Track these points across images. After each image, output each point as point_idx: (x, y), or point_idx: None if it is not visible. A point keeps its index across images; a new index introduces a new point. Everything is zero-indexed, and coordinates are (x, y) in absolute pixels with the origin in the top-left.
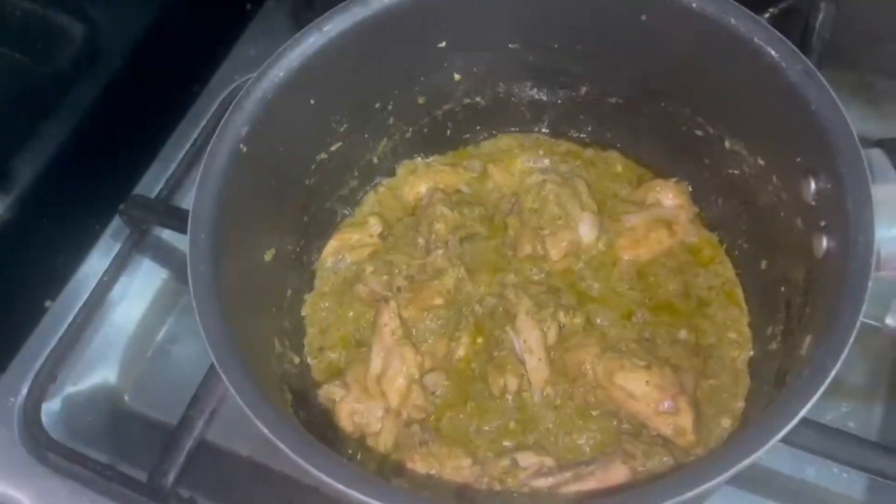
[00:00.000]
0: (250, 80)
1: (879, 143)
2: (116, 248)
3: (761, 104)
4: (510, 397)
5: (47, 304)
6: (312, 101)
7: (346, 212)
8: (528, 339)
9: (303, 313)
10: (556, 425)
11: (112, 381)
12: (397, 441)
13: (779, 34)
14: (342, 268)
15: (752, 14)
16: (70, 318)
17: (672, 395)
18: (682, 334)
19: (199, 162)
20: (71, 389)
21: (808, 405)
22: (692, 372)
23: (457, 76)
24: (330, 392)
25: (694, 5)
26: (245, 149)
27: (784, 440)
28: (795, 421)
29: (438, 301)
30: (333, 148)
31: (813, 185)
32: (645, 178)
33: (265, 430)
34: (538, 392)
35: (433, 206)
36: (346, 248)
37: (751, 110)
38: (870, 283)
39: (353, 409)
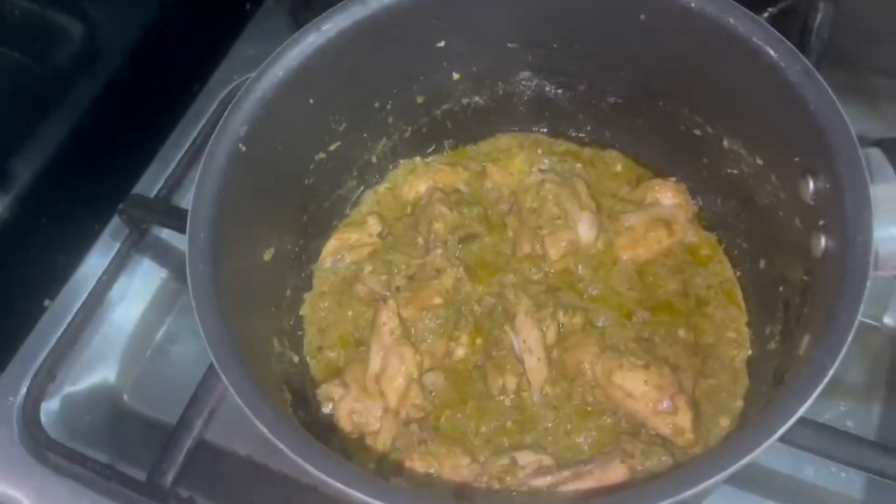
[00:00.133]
0: (249, 80)
1: (878, 143)
2: (116, 247)
3: (760, 104)
4: (509, 397)
5: (46, 303)
6: (311, 101)
7: (345, 211)
8: (527, 339)
9: (302, 313)
10: (555, 424)
11: (111, 381)
12: (396, 440)
13: (777, 34)
14: (341, 267)
15: (751, 14)
16: (69, 318)
17: (671, 395)
18: (681, 334)
19: (198, 161)
20: (70, 389)
21: (807, 404)
22: (691, 371)
23: (456, 76)
24: (329, 391)
25: (693, 5)
26: (244, 148)
27: (783, 439)
28: (793, 420)
29: (437, 300)
30: (332, 147)
31: (811, 185)
32: (644, 178)
33: (264, 430)
34: (537, 391)
35: (432, 205)
36: (346, 247)
37: (749, 110)
38: (868, 283)
39: (352, 409)
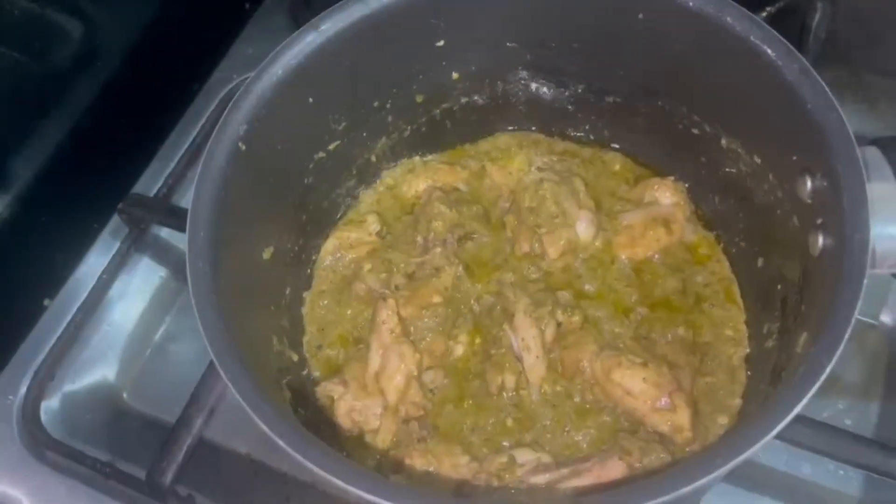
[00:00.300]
0: (249, 79)
1: (875, 142)
2: (115, 246)
3: (758, 103)
4: (508, 395)
5: (46, 302)
6: (311, 100)
7: (344, 210)
8: (526, 337)
9: (301, 311)
10: (554, 422)
11: (111, 380)
12: (395, 438)
13: (775, 33)
14: (341, 266)
15: (749, 13)
16: (69, 317)
17: (669, 393)
18: (679, 332)
19: (197, 160)
20: (70, 388)
21: (803, 402)
22: (689, 369)
23: (455, 75)
24: (328, 389)
25: (691, 4)
26: (244, 147)
27: (781, 437)
28: (790, 417)
29: (436, 299)
30: (332, 146)
31: (809, 184)
32: (642, 177)
33: (264, 427)
34: (536, 390)
35: (431, 204)
36: (345, 246)
37: (747, 109)
38: (865, 281)
39: (351, 407)
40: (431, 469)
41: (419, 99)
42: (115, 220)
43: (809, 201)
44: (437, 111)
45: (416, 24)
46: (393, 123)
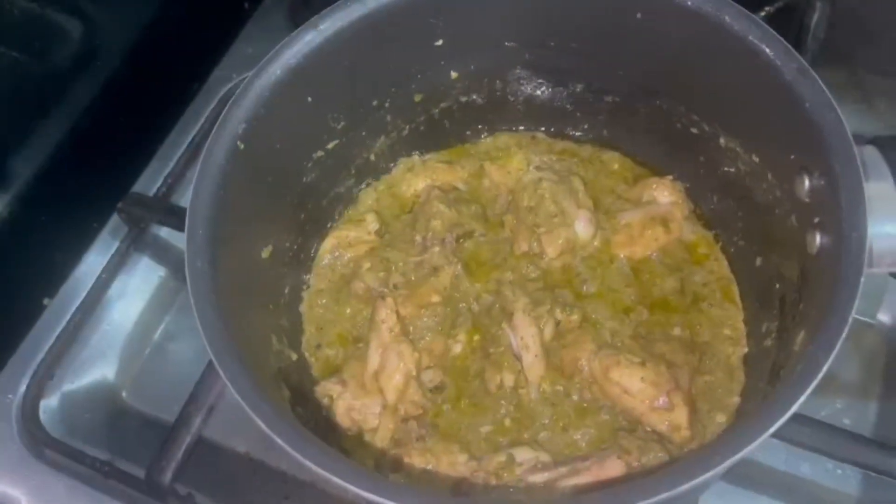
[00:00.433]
0: (247, 78)
1: (873, 141)
2: (114, 245)
3: (756, 102)
4: (506, 394)
5: (45, 301)
6: (309, 99)
7: (343, 209)
8: (525, 336)
9: (300, 310)
10: (552, 421)
11: (110, 379)
12: (394, 437)
13: (773, 32)
14: (339, 265)
15: (747, 12)
16: (68, 316)
17: (667, 392)
18: (678, 331)
19: (197, 160)
20: (69, 387)
21: (801, 400)
22: (687, 368)
23: (454, 74)
24: (327, 388)
25: (689, 3)
26: (242, 146)
27: (779, 436)
28: (788, 416)
29: (435, 298)
30: (330, 145)
31: (807, 183)
32: (641, 176)
33: (263, 426)
34: (534, 388)
35: (430, 203)
36: (344, 245)
37: (746, 108)
38: (862, 279)
39: (350, 406)
40: (430, 468)
41: (418, 98)
42: (115, 219)
43: (807, 200)
44: (436, 110)
45: (414, 23)
46: (392, 122)
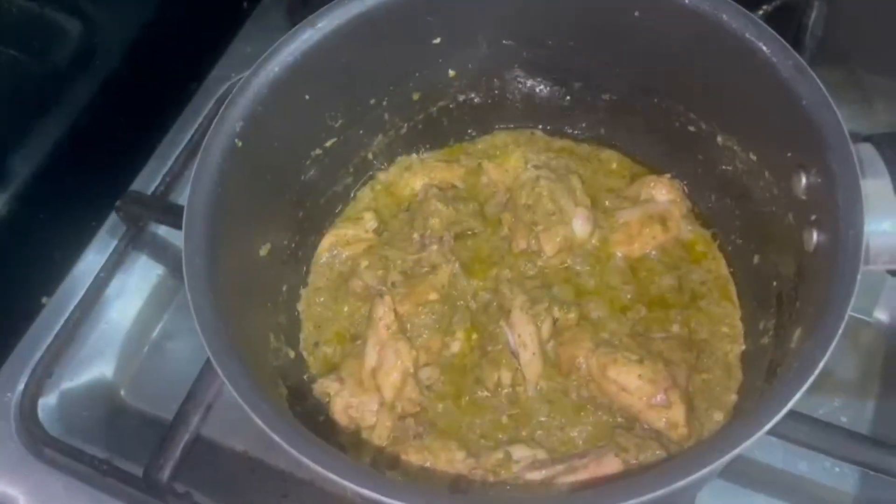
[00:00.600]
0: (245, 76)
1: (869, 138)
2: (113, 244)
3: (754, 100)
4: (504, 391)
5: (44, 300)
6: (307, 97)
7: (341, 207)
8: (522, 334)
9: (298, 308)
10: (550, 419)
11: (108, 377)
12: (392, 434)
13: (771, 31)
14: (337, 263)
15: (745, 11)
16: (66, 315)
17: (664, 389)
18: (675, 329)
19: (195, 158)
20: (67, 385)
21: (797, 397)
22: (685, 366)
23: (451, 72)
24: (325, 386)
25: (687, 2)
26: (240, 144)
27: (777, 434)
28: (784, 412)
29: (433, 296)
30: (328, 143)
31: (804, 180)
32: (639, 175)
33: (260, 423)
34: (532, 386)
35: (428, 201)
36: (342, 243)
37: (743, 106)
38: (859, 276)
39: (348, 403)
40: (428, 465)
41: (416, 97)
42: (113, 217)
43: (804, 198)
44: (434, 109)
45: (412, 21)
46: (390, 121)
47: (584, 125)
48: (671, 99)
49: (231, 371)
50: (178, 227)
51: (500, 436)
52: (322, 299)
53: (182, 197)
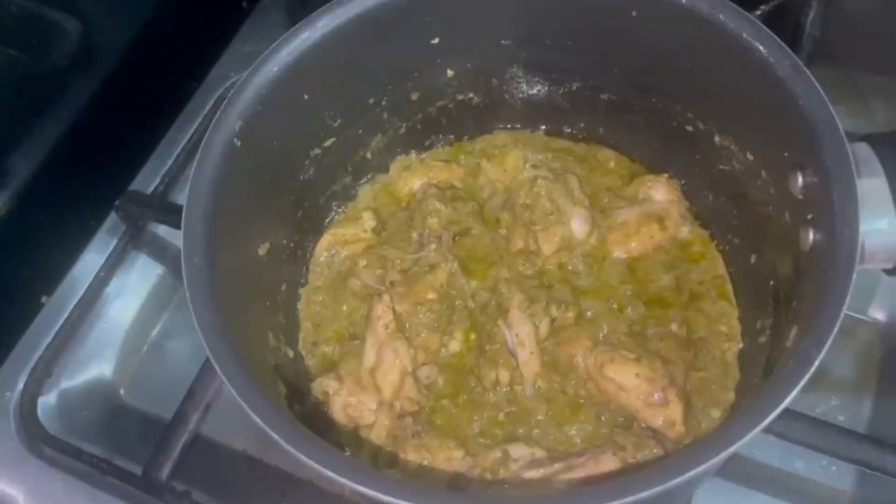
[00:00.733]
0: (244, 76)
1: (865, 138)
2: (112, 243)
3: (751, 100)
4: (502, 390)
5: (43, 299)
6: (306, 97)
7: (339, 207)
8: (520, 333)
9: (297, 307)
10: (548, 418)
11: (108, 376)
12: (390, 433)
13: (767, 30)
14: (336, 262)
15: (742, 10)
16: (66, 314)
17: (662, 388)
18: (673, 328)
19: (194, 158)
20: (67, 384)
21: (793, 394)
22: (682, 364)
23: (450, 72)
24: (324, 385)
25: (684, 2)
26: (239, 143)
27: (774, 432)
28: (780, 410)
29: (431, 295)
30: (327, 143)
31: (800, 180)
32: (636, 174)
33: (259, 422)
34: (530, 385)
35: (426, 201)
36: (340, 242)
37: (740, 106)
38: (854, 275)
39: (346, 402)
40: (426, 463)
41: (414, 96)
42: (113, 217)
43: (801, 197)
44: (433, 108)
45: (410, 21)
46: (388, 120)
47: (582, 125)
48: (669, 99)
49: (230, 370)
50: (178, 226)
51: (499, 434)
52: (321, 298)
53: (181, 196)
